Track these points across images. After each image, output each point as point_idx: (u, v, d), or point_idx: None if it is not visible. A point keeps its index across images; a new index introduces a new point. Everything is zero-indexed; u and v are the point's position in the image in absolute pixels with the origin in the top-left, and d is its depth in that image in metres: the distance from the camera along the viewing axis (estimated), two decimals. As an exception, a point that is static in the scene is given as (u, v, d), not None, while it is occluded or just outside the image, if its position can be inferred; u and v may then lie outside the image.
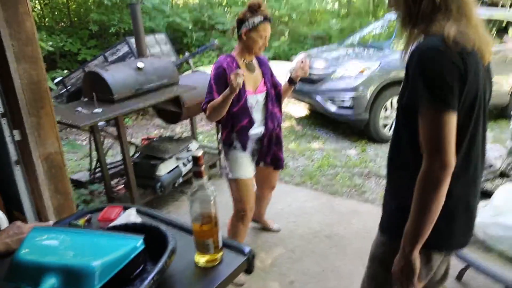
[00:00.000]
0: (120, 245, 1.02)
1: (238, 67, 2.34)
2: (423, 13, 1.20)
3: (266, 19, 2.28)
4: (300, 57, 5.48)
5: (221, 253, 1.11)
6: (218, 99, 2.19)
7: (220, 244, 1.11)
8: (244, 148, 2.41)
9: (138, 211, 1.38)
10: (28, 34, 2.10)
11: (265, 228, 3.21)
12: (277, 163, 2.66)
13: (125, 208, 1.40)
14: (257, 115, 2.43)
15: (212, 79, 2.29)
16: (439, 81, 1.11)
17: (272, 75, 2.55)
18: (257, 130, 2.45)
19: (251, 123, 2.38)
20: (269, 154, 2.58)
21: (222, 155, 2.53)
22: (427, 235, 1.21)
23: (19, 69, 2.10)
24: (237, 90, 2.08)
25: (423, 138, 1.16)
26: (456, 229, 1.30)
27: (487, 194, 1.97)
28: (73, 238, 1.03)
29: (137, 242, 1.03)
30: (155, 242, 1.08)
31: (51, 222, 1.35)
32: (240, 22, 2.31)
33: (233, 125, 2.36)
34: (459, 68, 1.12)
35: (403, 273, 1.28)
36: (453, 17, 1.17)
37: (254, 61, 2.47)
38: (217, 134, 4.27)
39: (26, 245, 0.99)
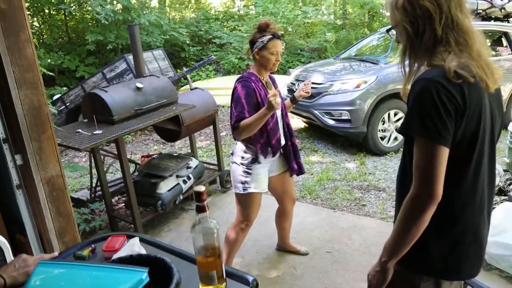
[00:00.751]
0: (126, 278, 1.03)
1: (263, 85, 2.45)
2: (425, 45, 1.23)
3: (274, 36, 2.35)
4: (303, 79, 5.57)
5: (224, 284, 1.13)
6: (254, 118, 2.26)
7: (224, 274, 1.12)
8: (274, 154, 2.53)
9: (141, 240, 1.40)
10: (29, 61, 2.14)
11: (291, 251, 3.16)
12: (301, 169, 2.75)
13: (129, 237, 1.42)
14: (280, 128, 2.59)
15: (243, 98, 2.33)
16: (433, 114, 1.13)
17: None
18: (283, 141, 2.60)
19: (281, 136, 2.55)
20: (295, 161, 2.69)
21: (238, 170, 2.54)
22: (405, 251, 1.25)
23: (21, 95, 2.13)
24: (276, 109, 2.17)
25: (414, 165, 1.20)
26: (464, 258, 1.31)
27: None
28: (79, 274, 1.04)
29: (142, 275, 1.05)
30: (160, 274, 1.10)
31: (56, 253, 1.36)
32: (252, 43, 2.41)
33: (269, 140, 2.46)
34: (457, 101, 1.14)
35: (377, 280, 1.34)
36: (454, 49, 1.20)
37: (269, 80, 2.58)
38: (216, 148, 4.30)
39: (33, 283, 1.00)
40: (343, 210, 3.78)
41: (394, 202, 1.56)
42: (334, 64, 6.25)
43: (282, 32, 2.47)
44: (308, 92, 2.64)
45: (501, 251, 1.92)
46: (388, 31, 1.34)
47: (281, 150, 2.63)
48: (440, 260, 1.29)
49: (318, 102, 5.20)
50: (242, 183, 2.53)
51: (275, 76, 2.79)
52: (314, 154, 5.28)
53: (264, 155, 2.49)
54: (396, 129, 5.05)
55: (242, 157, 2.51)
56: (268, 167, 2.60)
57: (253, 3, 11.79)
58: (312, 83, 5.39)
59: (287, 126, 2.63)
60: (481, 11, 6.06)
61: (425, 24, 1.21)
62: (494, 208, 1.97)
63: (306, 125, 6.33)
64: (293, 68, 9.27)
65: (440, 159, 1.15)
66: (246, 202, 2.58)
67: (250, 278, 1.16)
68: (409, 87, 1.32)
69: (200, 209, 1.02)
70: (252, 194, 2.53)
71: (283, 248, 3.17)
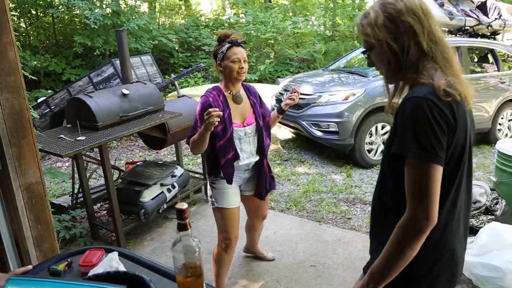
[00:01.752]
0: (101, 298, 0.99)
1: (225, 99, 2.34)
2: (410, 61, 1.22)
3: (233, 43, 2.29)
4: (290, 86, 5.55)
5: (205, 304, 1.09)
6: (197, 135, 2.19)
7: (205, 294, 1.08)
8: (229, 181, 2.39)
9: (121, 254, 1.35)
10: (11, 64, 2.08)
11: (257, 257, 3.17)
12: (272, 184, 2.64)
13: (107, 251, 1.37)
14: (246, 146, 2.42)
15: (198, 114, 2.29)
16: (429, 133, 1.12)
17: (261, 104, 2.54)
18: (246, 161, 2.43)
19: (236, 156, 2.36)
20: (265, 183, 2.56)
21: (208, 184, 2.51)
22: (391, 278, 1.22)
23: (1, 98, 2.07)
24: (211, 129, 2.08)
25: (409, 187, 1.16)
26: (441, 277, 1.30)
27: (472, 230, 1.98)
28: (52, 292, 0.99)
29: (119, 294, 1.00)
30: (138, 293, 1.05)
31: (30, 267, 1.30)
32: (214, 57, 2.36)
33: (217, 158, 2.34)
34: (448, 119, 1.14)
35: None
36: (441, 65, 1.20)
37: (242, 92, 2.44)
38: (202, 157, 4.25)
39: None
40: (328, 223, 3.76)
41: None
42: (323, 75, 6.27)
43: (244, 39, 2.37)
44: (293, 99, 2.50)
45: (486, 273, 1.91)
46: (364, 52, 1.33)
47: (250, 169, 2.51)
48: (420, 279, 1.27)
49: (306, 113, 5.19)
50: (210, 196, 2.50)
51: (261, 86, 2.74)
52: (300, 165, 5.27)
53: (215, 175, 2.39)
54: (383, 143, 5.07)
55: (209, 173, 2.45)
56: (238, 183, 2.50)
57: (244, 12, 11.83)
58: (301, 94, 5.43)
59: (261, 146, 2.47)
60: (468, 27, 6.16)
61: (409, 39, 1.21)
62: (481, 227, 1.97)
63: (294, 135, 6.32)
64: (282, 77, 9.29)
65: (436, 179, 1.13)
66: (218, 217, 2.49)
67: (232, 298, 1.12)
68: (395, 103, 1.31)
69: (182, 227, 0.98)
70: (221, 209, 2.44)
71: (251, 252, 3.18)
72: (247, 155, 2.43)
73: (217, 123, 2.05)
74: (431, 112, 1.12)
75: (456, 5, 6.40)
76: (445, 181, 1.17)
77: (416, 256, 1.21)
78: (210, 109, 2.01)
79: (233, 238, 2.50)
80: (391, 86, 1.32)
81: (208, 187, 2.52)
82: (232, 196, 2.46)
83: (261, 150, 2.47)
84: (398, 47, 1.22)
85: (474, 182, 2.33)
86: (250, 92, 2.50)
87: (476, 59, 7.23)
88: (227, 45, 2.28)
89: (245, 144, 2.41)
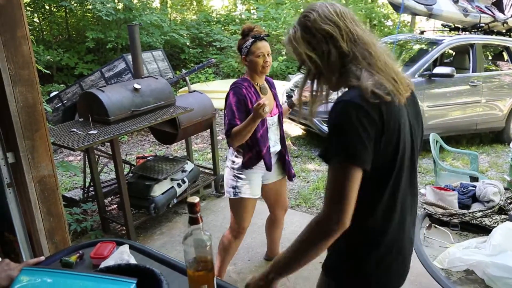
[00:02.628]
0: (112, 290, 0.99)
1: (255, 90, 2.40)
2: (333, 66, 1.22)
3: (256, 38, 2.32)
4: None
5: (215, 298, 1.09)
6: (243, 125, 2.25)
7: (215, 288, 1.08)
8: (269, 169, 2.46)
9: (131, 247, 1.35)
10: (25, 58, 2.10)
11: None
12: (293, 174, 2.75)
13: (118, 244, 1.38)
14: (272, 135, 2.53)
15: (234, 105, 2.32)
16: (353, 136, 1.10)
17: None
18: (272, 149, 2.53)
19: (270, 146, 2.48)
20: (290, 167, 2.69)
21: (229, 175, 2.52)
22: (295, 271, 1.25)
23: (15, 92, 2.09)
24: (259, 120, 2.18)
25: (327, 188, 1.15)
26: (389, 273, 1.32)
27: (485, 230, 1.97)
28: (64, 283, 1.00)
29: (130, 287, 1.01)
30: (149, 285, 1.06)
31: (42, 258, 1.32)
32: (239, 50, 2.40)
33: (259, 148, 2.40)
34: (375, 122, 1.11)
35: None
36: (363, 64, 1.19)
37: (265, 84, 2.51)
38: (213, 153, 4.26)
39: (15, 290, 0.96)
40: (338, 220, 3.73)
41: None
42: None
43: (267, 33, 2.41)
44: (305, 96, 2.55)
45: (499, 273, 1.89)
46: (299, 69, 1.33)
47: (278, 156, 2.61)
48: (369, 276, 1.30)
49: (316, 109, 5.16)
50: (233, 187, 2.50)
51: (274, 82, 2.75)
52: (311, 162, 5.25)
53: (253, 165, 2.44)
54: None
55: (233, 162, 2.49)
56: (262, 173, 2.55)
57: (255, 8, 11.80)
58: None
59: (282, 132, 2.61)
60: (483, 24, 6.06)
61: (328, 44, 1.20)
62: (494, 227, 1.95)
63: (304, 132, 6.30)
64: (293, 74, 9.26)
65: (354, 181, 1.11)
66: (237, 207, 2.55)
67: (242, 293, 1.12)
68: (316, 108, 1.35)
69: (193, 221, 0.98)
70: (242, 199, 2.49)
71: (272, 258, 3.12)
72: (273, 144, 2.54)
73: (268, 114, 2.17)
74: (357, 116, 1.10)
75: (471, 1, 6.32)
76: (377, 184, 1.18)
77: (361, 256, 1.26)
78: (261, 100, 2.11)
79: (246, 227, 2.60)
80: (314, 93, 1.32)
81: (230, 178, 2.52)
82: (258, 186, 2.54)
83: (282, 139, 2.60)
84: (318, 56, 1.22)
85: (487, 181, 2.31)
86: (270, 84, 2.58)
87: (490, 57, 7.12)
88: (251, 40, 2.32)
89: (272, 133, 2.51)
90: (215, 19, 11.84)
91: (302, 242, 1.19)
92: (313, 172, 4.91)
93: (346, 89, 1.22)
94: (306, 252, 1.19)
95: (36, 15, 9.08)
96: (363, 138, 1.10)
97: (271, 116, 2.48)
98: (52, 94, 6.48)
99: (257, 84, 2.43)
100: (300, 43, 1.24)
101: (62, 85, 7.54)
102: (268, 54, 2.35)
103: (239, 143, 2.32)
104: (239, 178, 2.48)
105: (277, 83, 7.59)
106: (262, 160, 2.43)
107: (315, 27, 1.22)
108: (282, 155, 2.64)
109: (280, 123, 2.57)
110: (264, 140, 2.41)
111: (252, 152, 2.43)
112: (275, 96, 2.55)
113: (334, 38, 1.20)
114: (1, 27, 1.98)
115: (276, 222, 2.93)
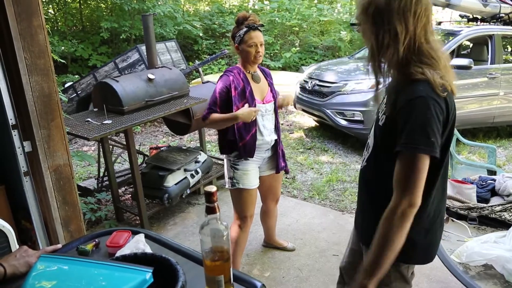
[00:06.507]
0: (129, 278, 0.99)
1: (245, 77, 2.41)
2: (388, 59, 1.27)
3: (250, 27, 2.32)
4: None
5: (231, 288, 1.08)
6: (222, 117, 2.32)
7: (232, 279, 1.07)
8: (251, 156, 2.44)
9: (147, 236, 1.35)
10: (41, 47, 2.11)
11: (277, 247, 3.16)
12: (285, 167, 2.73)
13: (134, 233, 1.38)
14: (268, 123, 2.51)
15: (217, 92, 2.37)
16: (433, 130, 1.19)
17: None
18: (267, 138, 2.50)
19: (259, 131, 2.45)
20: (280, 159, 2.64)
21: (227, 165, 2.55)
22: (386, 270, 1.27)
23: (31, 81, 2.10)
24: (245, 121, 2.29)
25: (397, 177, 1.24)
26: (435, 241, 1.45)
27: (505, 224, 1.92)
28: (80, 270, 1.00)
29: (146, 275, 1.00)
30: (165, 275, 1.05)
31: (59, 245, 1.33)
32: (232, 38, 2.43)
33: (241, 134, 2.39)
34: (444, 115, 1.21)
35: None
36: (423, 63, 1.24)
37: (259, 72, 2.52)
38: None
39: (33, 278, 0.96)
40: (351, 212, 3.71)
41: (358, 211, 1.64)
42: (348, 63, 6.16)
43: (262, 23, 2.40)
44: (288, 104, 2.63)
45: (520, 268, 1.87)
46: (352, 25, 1.34)
47: (269, 149, 2.58)
48: (417, 247, 1.39)
49: (330, 101, 5.13)
50: (230, 178, 2.53)
51: (285, 73, 2.75)
52: (324, 154, 5.22)
53: (244, 155, 2.44)
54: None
55: (230, 153, 2.49)
56: (258, 163, 2.56)
57: (268, -2, 11.69)
58: (325, 81, 5.37)
59: (277, 121, 2.58)
60: (503, 15, 5.92)
61: (389, 40, 1.23)
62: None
63: (317, 124, 6.26)
64: (306, 65, 9.18)
65: (426, 169, 1.21)
66: (236, 198, 2.57)
67: (259, 284, 1.11)
68: (381, 95, 1.41)
69: (210, 210, 0.97)
70: (240, 189, 2.51)
71: (270, 244, 3.16)
72: (269, 132, 2.51)
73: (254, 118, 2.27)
74: (435, 111, 1.19)
75: (491, -9, 6.16)
76: (438, 165, 1.27)
77: (412, 229, 1.28)
78: (255, 109, 2.27)
79: (248, 216, 2.59)
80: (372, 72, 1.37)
81: (227, 168, 2.56)
82: (253, 177, 2.54)
83: (277, 128, 2.57)
84: (377, 43, 1.25)
85: (507, 174, 2.26)
86: (266, 73, 2.59)
87: (510, 49, 6.96)
88: (245, 29, 2.33)
89: (267, 121, 2.49)
90: (228, 10, 11.76)
91: (384, 235, 1.25)
92: (326, 164, 4.88)
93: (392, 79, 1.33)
94: (392, 242, 1.23)
95: (51, 6, 9.11)
96: (438, 130, 1.20)
97: (264, 104, 2.47)
98: (66, 85, 6.52)
99: (249, 72, 2.45)
100: (370, 20, 1.25)
101: (76, 76, 7.58)
102: (261, 45, 2.35)
103: (215, 128, 2.43)
104: (235, 168, 2.49)
105: (290, 75, 7.58)
106: (245, 148, 2.41)
107: (388, 17, 1.21)
108: (276, 147, 2.61)
109: (275, 112, 2.55)
110: (250, 126, 2.39)
111: (231, 141, 2.42)
112: (270, 85, 2.55)
113: (397, 39, 1.22)
114: (17, 16, 1.99)
115: (268, 212, 2.96)
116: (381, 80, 1.34)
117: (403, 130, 1.22)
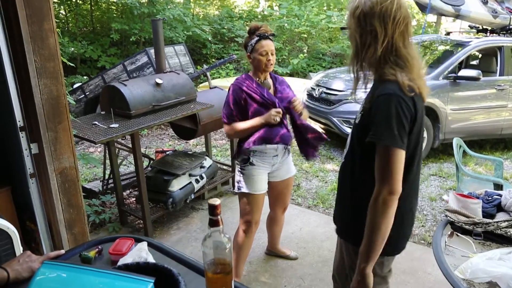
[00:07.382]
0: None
1: (258, 85, 2.46)
2: (369, 59, 1.40)
3: (261, 37, 2.37)
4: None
5: (233, 300, 1.08)
6: (247, 125, 2.39)
7: (233, 291, 1.07)
8: (271, 141, 2.46)
9: (150, 245, 1.35)
10: (51, 50, 2.12)
11: (280, 256, 3.15)
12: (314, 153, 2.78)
13: (137, 240, 1.38)
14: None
15: (231, 103, 2.42)
16: (399, 124, 1.31)
17: (290, 90, 2.62)
18: (280, 144, 2.52)
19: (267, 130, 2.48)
20: (313, 145, 2.72)
21: (236, 170, 2.59)
22: (379, 253, 1.41)
23: (40, 84, 2.12)
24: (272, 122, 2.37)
25: (378, 168, 1.36)
26: (404, 235, 1.58)
27: (511, 241, 1.90)
28: (82, 279, 1.00)
29: (148, 286, 1.00)
30: (166, 285, 1.05)
31: (62, 251, 1.33)
32: (245, 48, 2.47)
33: (251, 136, 2.43)
34: (411, 111, 1.34)
35: (360, 287, 1.47)
36: (398, 65, 1.37)
37: (269, 79, 2.55)
38: (231, 149, 4.25)
39: (36, 284, 0.97)
40: (355, 222, 3.69)
41: (336, 204, 1.82)
42: (356, 71, 6.14)
43: (272, 32, 2.46)
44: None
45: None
46: (342, 28, 1.53)
47: (278, 155, 2.55)
48: (390, 240, 1.45)
49: (337, 109, 5.12)
50: (237, 182, 2.57)
51: (292, 80, 2.77)
52: (329, 162, 5.20)
53: (244, 162, 2.49)
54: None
55: (238, 158, 2.55)
56: (267, 169, 2.56)
57: (278, 4, 11.72)
58: (333, 89, 5.36)
59: (301, 125, 2.60)
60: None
61: (371, 40, 1.37)
62: None
63: (323, 131, 6.24)
64: (314, 72, 9.18)
65: (402, 161, 1.33)
66: (244, 201, 2.58)
67: (260, 297, 1.10)
68: (358, 93, 1.54)
69: (213, 223, 0.97)
70: (245, 194, 2.53)
71: (273, 252, 3.15)
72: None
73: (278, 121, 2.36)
74: (401, 107, 1.31)
75: (501, 2, 6.14)
76: (407, 161, 1.37)
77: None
78: (278, 110, 2.35)
79: (253, 222, 2.60)
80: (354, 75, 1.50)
81: (236, 172, 2.60)
82: (261, 182, 2.55)
83: (288, 130, 2.58)
84: (361, 42, 1.39)
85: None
86: (277, 80, 2.60)
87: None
88: (256, 38, 2.39)
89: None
90: (238, 15, 11.81)
91: (371, 223, 1.37)
92: (332, 172, 4.86)
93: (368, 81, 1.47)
94: (379, 228, 1.36)
95: (62, 7, 9.21)
96: (404, 125, 1.32)
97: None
98: (75, 86, 6.57)
99: (259, 79, 2.49)
100: (355, 21, 1.40)
101: (85, 77, 7.63)
102: (271, 53, 2.40)
103: (239, 137, 2.48)
104: (242, 173, 2.53)
105: (297, 81, 7.56)
106: (262, 136, 2.44)
107: (369, 19, 1.35)
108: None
109: (292, 115, 2.56)
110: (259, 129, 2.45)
111: (246, 140, 2.45)
112: (276, 92, 2.55)
113: (376, 39, 1.36)
114: (29, 18, 2.01)
115: (275, 220, 2.95)
116: (361, 75, 1.46)
117: (372, 122, 1.36)
